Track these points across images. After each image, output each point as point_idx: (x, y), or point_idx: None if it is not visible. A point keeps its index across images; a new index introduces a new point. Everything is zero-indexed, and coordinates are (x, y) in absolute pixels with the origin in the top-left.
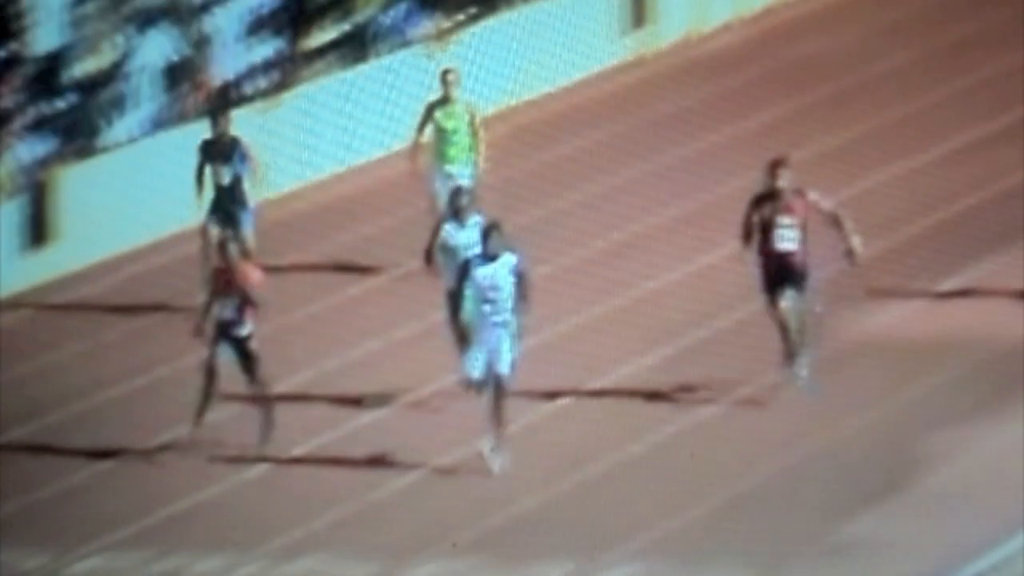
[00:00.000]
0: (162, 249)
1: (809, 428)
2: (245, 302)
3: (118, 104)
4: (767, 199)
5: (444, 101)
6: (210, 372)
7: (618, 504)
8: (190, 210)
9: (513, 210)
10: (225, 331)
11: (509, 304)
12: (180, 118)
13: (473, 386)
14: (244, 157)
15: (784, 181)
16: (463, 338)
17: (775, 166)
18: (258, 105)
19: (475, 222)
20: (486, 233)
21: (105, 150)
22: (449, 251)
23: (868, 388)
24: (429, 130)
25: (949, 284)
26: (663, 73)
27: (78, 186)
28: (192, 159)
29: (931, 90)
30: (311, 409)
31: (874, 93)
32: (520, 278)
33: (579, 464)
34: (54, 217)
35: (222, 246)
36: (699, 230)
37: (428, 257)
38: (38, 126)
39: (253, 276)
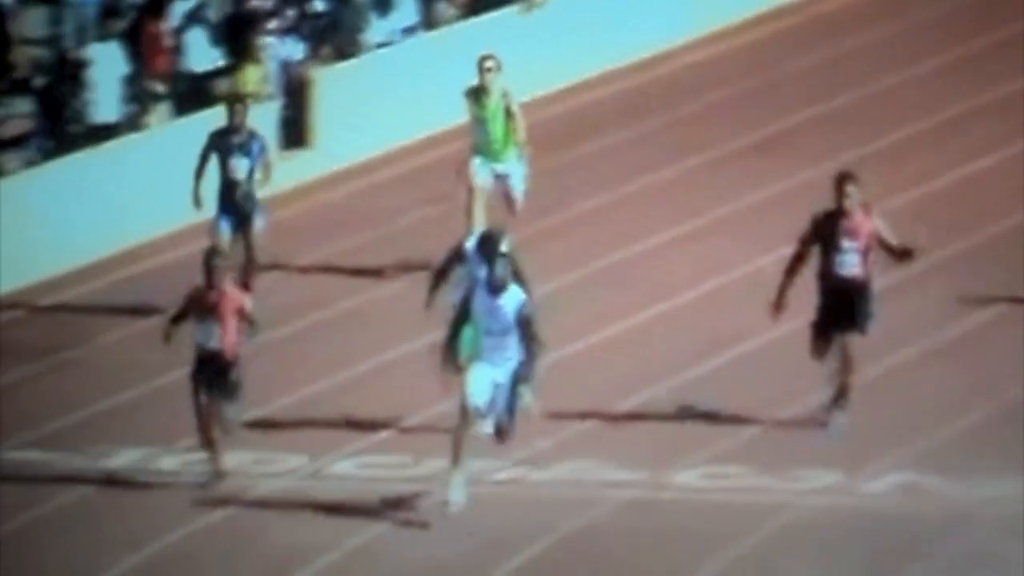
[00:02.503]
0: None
1: None
2: (227, 328)
3: (376, 7)
4: (830, 217)
5: (480, 90)
6: (200, 411)
7: (885, 414)
8: (442, 114)
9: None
10: (205, 359)
11: (514, 344)
12: (436, 22)
13: (472, 415)
14: (262, 150)
15: (851, 199)
16: (451, 364)
17: (841, 181)
18: (517, 7)
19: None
20: (491, 259)
21: (364, 51)
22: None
23: None
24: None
25: None
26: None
27: (334, 89)
28: (449, 64)
29: None
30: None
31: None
32: (526, 322)
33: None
34: (311, 120)
35: (208, 261)
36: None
37: (437, 279)
38: (295, 28)
39: (240, 301)
